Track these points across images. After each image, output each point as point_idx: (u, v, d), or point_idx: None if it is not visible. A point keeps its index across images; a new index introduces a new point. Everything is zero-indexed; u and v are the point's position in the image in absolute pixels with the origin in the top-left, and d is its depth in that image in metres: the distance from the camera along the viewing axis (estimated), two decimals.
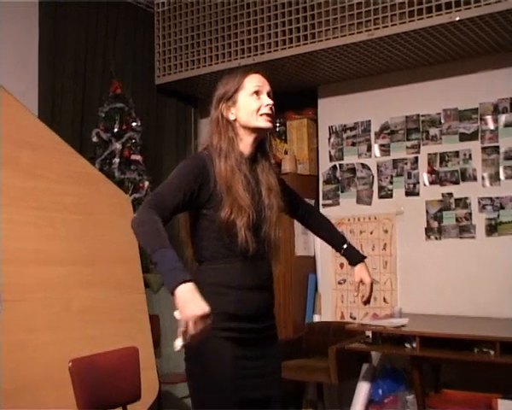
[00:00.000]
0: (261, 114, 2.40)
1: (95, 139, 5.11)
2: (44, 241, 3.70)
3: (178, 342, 1.96)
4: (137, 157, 5.21)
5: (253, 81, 2.45)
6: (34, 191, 3.71)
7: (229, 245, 2.32)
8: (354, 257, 2.81)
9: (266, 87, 2.47)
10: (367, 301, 2.74)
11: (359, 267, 2.76)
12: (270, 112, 2.42)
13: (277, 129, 6.21)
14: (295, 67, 5.41)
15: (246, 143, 2.43)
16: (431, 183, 5.38)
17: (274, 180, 2.47)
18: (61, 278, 3.74)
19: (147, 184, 5.21)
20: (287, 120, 6.20)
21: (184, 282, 1.99)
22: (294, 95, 6.05)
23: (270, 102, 2.44)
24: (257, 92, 2.43)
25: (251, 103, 2.41)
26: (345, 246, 2.82)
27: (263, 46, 5.27)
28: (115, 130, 5.12)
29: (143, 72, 5.94)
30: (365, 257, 2.81)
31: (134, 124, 5.23)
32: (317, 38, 4.98)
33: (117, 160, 5.07)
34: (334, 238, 2.87)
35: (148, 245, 2.09)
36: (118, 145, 5.09)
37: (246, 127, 2.41)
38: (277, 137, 6.21)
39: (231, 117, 2.43)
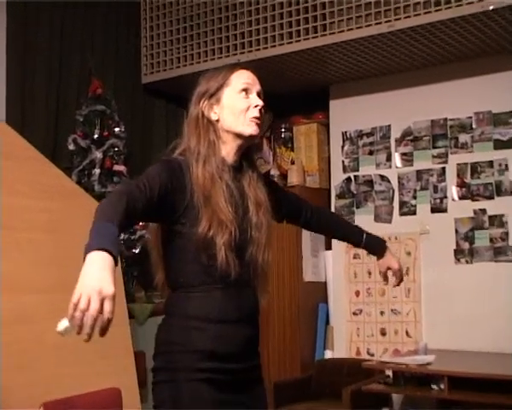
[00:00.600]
0: (250, 118, 2.36)
1: (71, 147, 5.09)
2: (11, 265, 3.66)
3: (63, 323, 1.75)
4: (121, 168, 5.20)
5: (242, 78, 2.40)
6: None
7: (208, 269, 2.25)
8: (377, 247, 2.83)
9: (256, 86, 2.42)
10: (399, 284, 2.84)
11: (385, 255, 2.81)
12: (259, 115, 2.37)
13: (283, 135, 6.21)
14: (303, 63, 5.41)
15: (229, 149, 2.38)
16: (461, 198, 5.37)
17: (263, 195, 2.42)
18: (32, 308, 3.71)
19: None
20: (293, 124, 6.19)
21: (105, 251, 1.83)
22: (302, 96, 6.05)
23: (261, 102, 2.38)
24: (246, 90, 2.38)
25: (238, 102, 2.36)
26: (364, 236, 2.82)
27: (266, 40, 5.26)
28: (95, 136, 5.12)
29: (128, 69, 5.94)
30: (386, 242, 2.85)
31: (117, 129, 5.23)
32: (329, 30, 4.98)
33: (97, 170, 5.06)
34: (351, 234, 2.86)
35: (97, 218, 1.95)
36: (98, 154, 5.08)
37: (229, 131, 2.37)
38: (283, 145, 6.21)
39: (213, 117, 2.38)
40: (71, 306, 1.74)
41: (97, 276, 1.79)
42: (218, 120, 2.38)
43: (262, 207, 2.39)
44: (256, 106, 2.37)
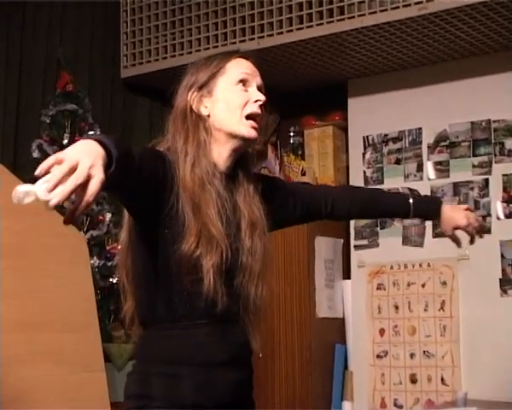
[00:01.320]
0: (247, 116, 2.35)
1: (36, 154, 5.07)
2: None
3: (27, 187, 1.67)
4: None
5: (240, 67, 2.41)
6: None
7: (190, 298, 2.23)
8: (432, 211, 2.81)
9: (257, 79, 2.43)
10: (480, 235, 2.86)
11: (444, 215, 2.79)
12: (259, 111, 2.37)
13: (291, 140, 6.19)
14: (316, 54, 5.40)
15: (222, 151, 2.37)
16: (507, 215, 5.34)
17: (260, 214, 2.41)
18: None
19: (108, 216, 5.17)
20: (304, 127, 6.18)
21: (101, 146, 1.80)
22: (315, 93, 6.04)
23: (262, 97, 2.39)
24: (244, 82, 2.39)
25: (234, 95, 2.37)
26: (411, 204, 2.77)
27: (271, 25, 5.26)
28: (65, 141, 5.11)
29: (104, 61, 5.94)
30: (439, 198, 2.82)
31: (91, 133, 5.20)
32: (347, 13, 4.97)
33: None
34: (394, 207, 2.84)
35: None
36: None
37: (221, 130, 2.36)
38: (291, 152, 6.19)
39: (204, 112, 2.38)
40: (51, 159, 1.70)
41: (91, 156, 1.74)
42: (209, 116, 2.38)
43: (257, 228, 2.38)
44: (256, 101, 2.36)
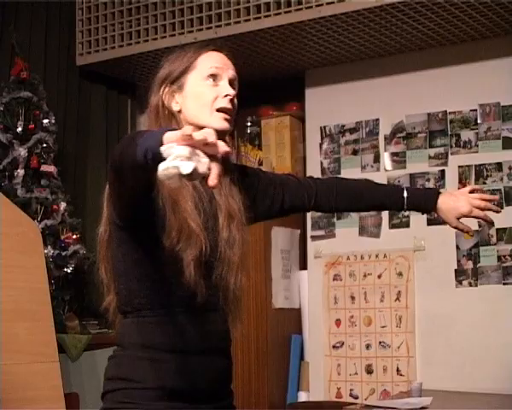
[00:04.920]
0: (217, 109, 2.36)
1: None
2: None
3: (189, 164, 1.70)
4: (50, 168, 5.15)
5: (210, 61, 2.42)
6: None
7: (169, 288, 2.26)
8: (428, 203, 2.68)
9: (229, 72, 2.44)
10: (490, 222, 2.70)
11: (443, 206, 2.64)
12: (229, 106, 2.39)
13: (248, 130, 6.18)
14: (274, 44, 5.40)
15: None
16: None
17: (237, 205, 2.42)
18: None
19: (63, 205, 5.14)
20: (261, 117, 6.16)
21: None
22: (272, 83, 6.03)
23: (232, 91, 2.40)
24: (214, 76, 2.40)
25: (203, 91, 2.39)
26: (405, 196, 2.67)
27: (228, 14, 5.24)
28: (18, 129, 5.07)
29: (60, 48, 5.88)
30: (439, 191, 2.71)
31: (46, 121, 5.18)
32: (305, 3, 4.97)
33: (21, 171, 5.00)
34: (386, 200, 2.75)
35: (139, 146, 1.87)
36: (22, 151, 5.02)
37: (193, 124, 2.34)
38: (248, 142, 6.17)
39: (175, 107, 2.41)
40: (206, 133, 1.72)
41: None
42: (180, 111, 2.41)
43: (235, 219, 2.40)
44: (226, 95, 2.38)
